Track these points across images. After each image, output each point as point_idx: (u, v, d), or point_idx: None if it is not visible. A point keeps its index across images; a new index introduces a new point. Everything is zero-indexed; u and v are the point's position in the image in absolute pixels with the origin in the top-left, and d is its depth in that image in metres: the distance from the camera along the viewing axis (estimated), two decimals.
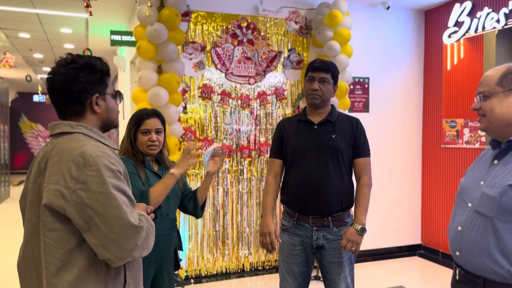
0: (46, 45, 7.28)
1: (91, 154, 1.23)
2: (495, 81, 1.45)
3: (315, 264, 3.83)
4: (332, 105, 2.31)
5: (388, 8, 4.61)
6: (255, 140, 4.22)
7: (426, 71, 4.98)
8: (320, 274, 3.91)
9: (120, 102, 1.46)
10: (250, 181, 4.21)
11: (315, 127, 2.23)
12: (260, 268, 4.26)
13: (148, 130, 2.07)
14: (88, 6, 3.51)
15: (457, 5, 4.49)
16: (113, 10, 4.83)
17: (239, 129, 4.16)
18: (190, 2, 3.88)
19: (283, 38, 4.30)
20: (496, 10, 4.10)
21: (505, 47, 5.32)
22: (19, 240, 1.37)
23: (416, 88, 4.99)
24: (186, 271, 3.97)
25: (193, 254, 4.00)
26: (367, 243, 4.58)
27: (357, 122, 2.26)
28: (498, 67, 1.50)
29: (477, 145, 4.38)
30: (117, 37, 4.26)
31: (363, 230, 2.11)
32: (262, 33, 4.20)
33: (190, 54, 3.95)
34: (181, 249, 2.17)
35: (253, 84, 4.19)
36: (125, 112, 5.65)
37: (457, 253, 1.47)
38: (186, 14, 3.85)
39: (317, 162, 2.17)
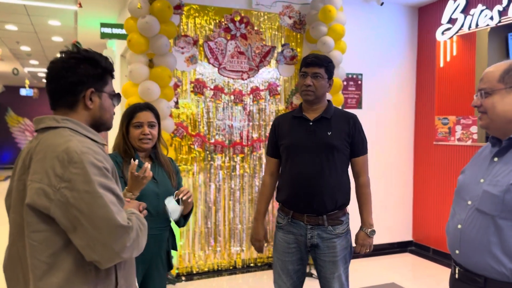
0: (34, 37, 7.13)
1: (76, 150, 1.17)
2: (497, 77, 1.43)
3: (310, 262, 3.81)
4: (328, 101, 2.26)
5: (382, 4, 4.59)
6: (248, 136, 4.17)
7: (419, 68, 4.97)
8: (312, 271, 3.89)
9: (116, 105, 1.40)
10: (242, 177, 4.16)
11: (310, 124, 2.18)
12: (252, 265, 4.23)
13: (140, 123, 2.01)
14: None
15: (450, 2, 4.48)
16: (103, 2, 4.73)
17: (232, 125, 4.11)
18: None
19: (276, 33, 4.25)
20: (490, 8, 4.10)
21: (497, 45, 5.33)
22: (6, 240, 1.31)
23: (409, 85, 4.98)
24: (177, 269, 3.91)
25: (184, 252, 3.95)
26: None
27: (354, 119, 2.21)
28: (499, 63, 1.48)
29: (469, 142, 4.39)
30: (107, 30, 4.16)
31: (372, 232, 2.19)
32: (255, 28, 4.14)
33: (182, 48, 3.88)
34: (175, 249, 2.11)
35: (246, 79, 4.14)
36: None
37: (457, 252, 1.45)
38: (178, 7, 3.77)
39: (312, 160, 2.13)
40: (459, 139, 4.48)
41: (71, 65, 1.27)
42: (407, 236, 5.02)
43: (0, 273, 1.35)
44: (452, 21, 4.48)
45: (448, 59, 4.70)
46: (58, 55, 1.31)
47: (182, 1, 3.79)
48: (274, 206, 4.23)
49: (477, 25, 4.22)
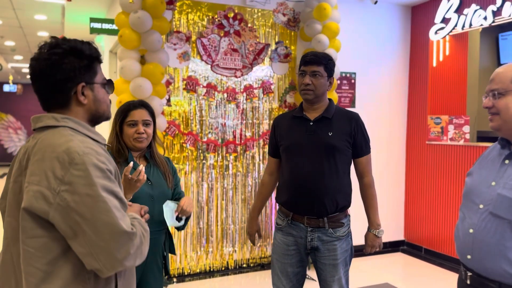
0: (19, 32, 6.94)
1: (77, 151, 1.09)
2: (510, 78, 1.40)
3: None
4: (329, 99, 2.21)
5: (376, 2, 4.55)
6: (241, 134, 4.10)
7: (412, 67, 4.97)
8: (307, 273, 3.85)
9: (111, 93, 1.32)
10: (235, 176, 4.10)
11: (311, 124, 2.13)
12: (244, 265, 4.17)
13: (134, 122, 1.93)
14: None
15: (444, 1, 4.47)
16: None
17: (225, 123, 4.04)
18: None
19: (270, 30, 4.19)
20: (484, 7, 4.10)
21: (488, 45, 5.37)
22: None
23: (402, 84, 4.97)
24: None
25: (175, 253, 3.86)
26: None
27: (356, 119, 2.17)
28: (510, 64, 1.45)
29: (461, 142, 4.40)
30: (97, 25, 4.05)
31: (380, 232, 2.21)
32: (249, 25, 4.07)
33: (175, 44, 3.79)
34: (173, 253, 2.03)
35: (239, 77, 4.07)
36: None
37: (469, 257, 1.41)
38: (171, 2, 3.68)
39: (311, 161, 2.08)
40: (451, 139, 4.49)
41: (55, 61, 1.16)
42: (399, 236, 5.02)
43: None
44: (445, 20, 4.48)
45: (441, 58, 4.71)
46: (38, 51, 1.20)
47: None
48: (266, 205, 4.18)
49: (470, 25, 4.22)
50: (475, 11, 4.15)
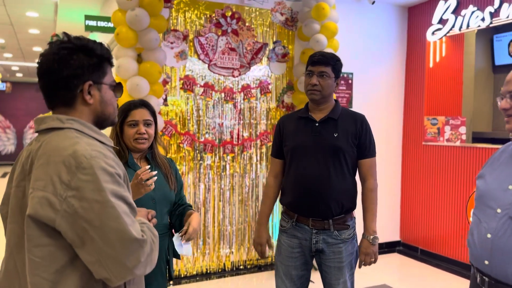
0: (9, 29, 6.80)
1: (84, 154, 1.04)
2: None
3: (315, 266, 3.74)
4: (336, 100, 2.17)
5: (373, 3, 4.54)
6: (238, 135, 4.05)
7: (408, 68, 4.96)
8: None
9: (119, 96, 1.27)
10: (233, 177, 4.05)
11: (316, 124, 2.09)
12: (241, 267, 4.12)
13: (135, 122, 1.87)
14: None
15: (441, 2, 4.47)
16: None
17: (222, 123, 3.99)
18: None
19: (268, 29, 4.15)
20: (481, 9, 4.10)
21: (483, 46, 5.39)
22: (1, 252, 1.17)
23: (398, 84, 4.97)
24: None
25: (180, 257, 3.80)
26: None
27: (362, 120, 2.13)
28: None
29: (457, 143, 4.40)
30: (92, 23, 3.96)
31: (375, 239, 2.07)
32: (247, 24, 4.03)
33: (172, 43, 3.73)
34: (178, 257, 1.98)
35: (237, 76, 4.02)
36: None
37: (486, 262, 1.38)
38: (168, 0, 3.62)
39: (317, 162, 2.05)
40: (448, 140, 4.49)
41: (63, 56, 1.12)
42: (395, 236, 5.02)
43: None
44: (442, 21, 4.48)
45: (437, 59, 4.71)
46: (48, 46, 1.16)
47: None
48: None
49: (468, 26, 4.22)
50: (473, 12, 4.16)
